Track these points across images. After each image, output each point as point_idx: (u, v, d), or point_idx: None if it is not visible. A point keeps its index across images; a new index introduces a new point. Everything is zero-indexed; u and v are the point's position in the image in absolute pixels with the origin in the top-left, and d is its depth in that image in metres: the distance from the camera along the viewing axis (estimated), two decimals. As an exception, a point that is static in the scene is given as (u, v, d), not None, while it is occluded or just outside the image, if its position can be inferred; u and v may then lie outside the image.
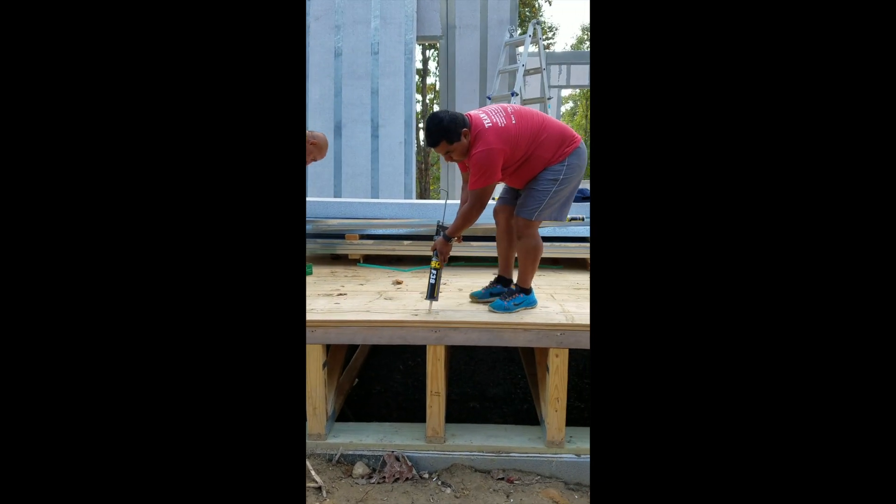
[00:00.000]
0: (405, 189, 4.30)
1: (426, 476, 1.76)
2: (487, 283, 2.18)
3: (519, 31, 4.74)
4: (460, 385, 2.78)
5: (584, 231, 2.85)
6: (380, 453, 1.79)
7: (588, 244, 2.79)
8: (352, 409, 2.40)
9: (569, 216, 2.90)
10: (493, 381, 2.87)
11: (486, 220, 2.14)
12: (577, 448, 1.83)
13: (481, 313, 1.93)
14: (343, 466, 1.77)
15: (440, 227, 2.00)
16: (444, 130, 1.77)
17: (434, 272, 1.94)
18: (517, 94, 4.33)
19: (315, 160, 2.63)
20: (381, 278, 2.75)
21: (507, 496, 1.66)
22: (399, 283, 2.61)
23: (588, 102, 17.81)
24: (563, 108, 21.15)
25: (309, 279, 2.69)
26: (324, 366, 1.84)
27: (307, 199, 2.76)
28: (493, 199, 2.17)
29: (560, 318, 1.87)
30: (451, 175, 4.91)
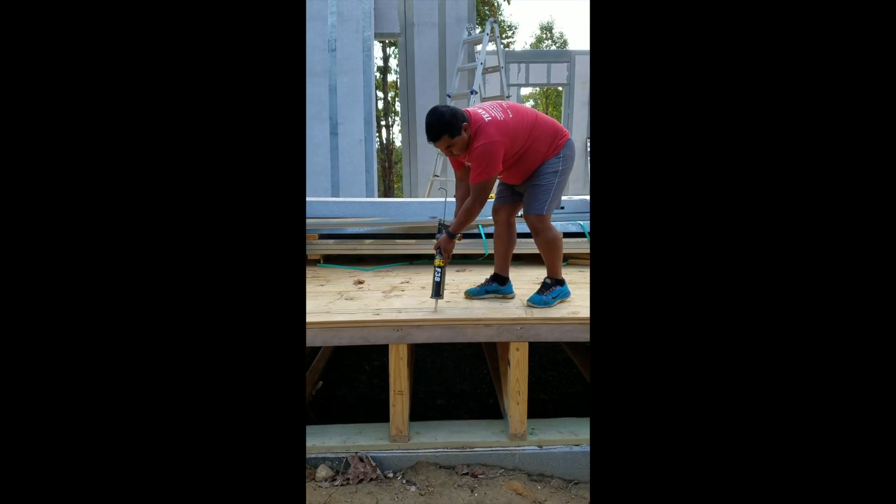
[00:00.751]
0: (367, 187, 4.26)
1: (391, 475, 1.75)
2: (483, 281, 2.19)
3: (478, 30, 4.77)
4: (427, 383, 2.78)
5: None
6: (343, 455, 1.77)
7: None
8: (316, 412, 2.36)
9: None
10: (460, 378, 2.89)
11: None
12: (539, 440, 1.87)
13: (445, 309, 1.94)
14: (306, 470, 1.74)
15: (442, 225, 2.01)
16: (446, 125, 1.78)
17: (439, 270, 1.94)
18: (476, 93, 4.36)
19: None
20: (342, 278, 2.72)
21: (472, 490, 1.68)
22: (361, 282, 2.58)
23: (547, 101, 18.15)
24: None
25: (267, 281, 2.62)
26: (283, 369, 1.79)
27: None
28: (490, 197, 2.19)
29: (520, 313, 1.90)
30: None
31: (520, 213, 2.11)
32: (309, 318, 1.83)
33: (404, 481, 1.72)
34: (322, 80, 4.27)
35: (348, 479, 1.69)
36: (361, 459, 1.75)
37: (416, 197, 4.85)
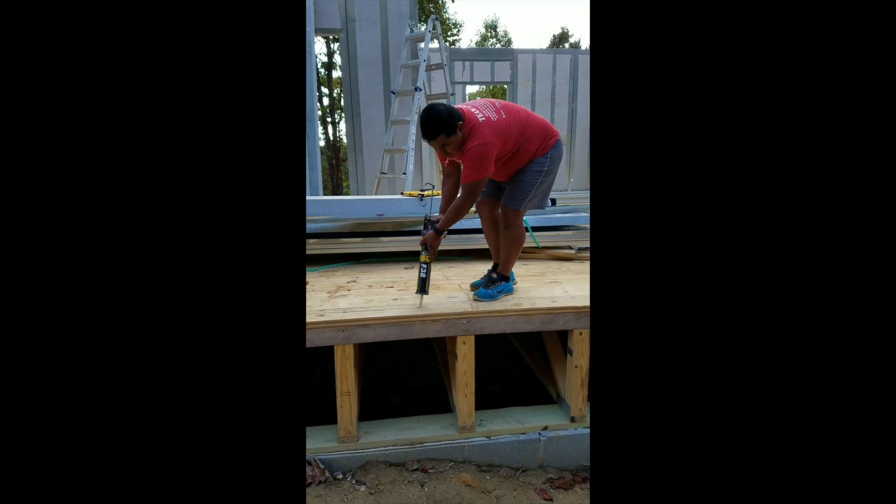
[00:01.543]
0: (310, 185, 4.16)
1: (340, 477, 1.73)
2: (485, 272, 2.20)
3: (421, 27, 4.77)
4: (380, 381, 2.77)
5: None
6: (290, 460, 1.73)
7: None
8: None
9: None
10: (413, 375, 2.89)
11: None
12: (487, 430, 1.90)
13: (390, 308, 1.94)
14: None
15: (428, 221, 2.02)
16: (443, 124, 1.78)
17: (424, 266, 1.94)
18: (420, 90, 4.36)
19: None
20: (286, 280, 2.64)
21: (422, 486, 1.69)
22: (304, 283, 2.52)
23: (494, 98, 18.38)
24: (471, 104, 21.63)
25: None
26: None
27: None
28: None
29: (466, 307, 1.93)
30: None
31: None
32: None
33: (354, 481, 1.70)
34: (260, 76, 4.11)
35: (296, 484, 1.66)
36: (309, 463, 1.72)
37: (364, 194, 4.79)
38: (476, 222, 2.94)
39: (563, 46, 20.77)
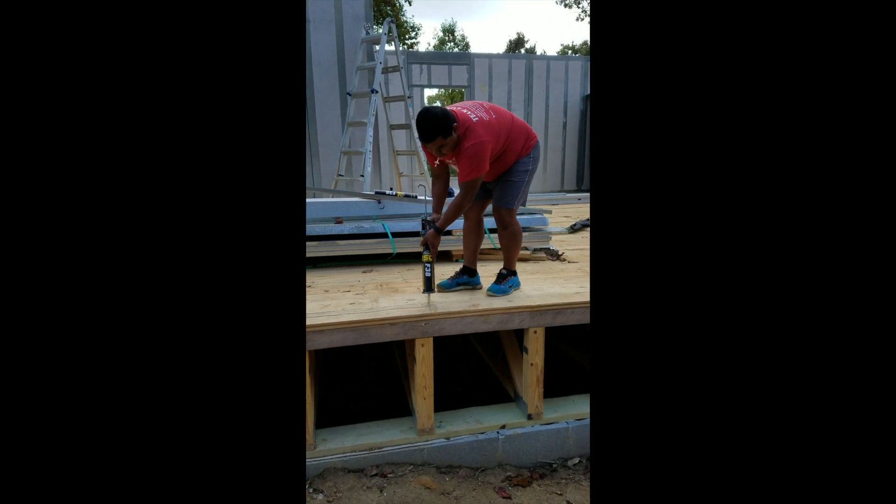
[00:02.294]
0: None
1: (296, 487, 1.69)
2: (453, 274, 2.26)
3: (378, 29, 4.74)
4: (339, 386, 2.72)
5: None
6: (243, 473, 1.67)
7: (451, 236, 2.91)
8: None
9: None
10: (374, 379, 2.86)
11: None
12: (446, 432, 1.91)
13: (346, 313, 1.91)
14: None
15: (426, 222, 2.05)
16: (440, 126, 1.80)
17: (428, 266, 1.99)
18: (377, 92, 4.33)
19: None
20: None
21: (381, 491, 1.67)
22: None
23: (452, 102, 18.55)
24: (430, 107, 21.70)
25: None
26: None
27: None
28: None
29: (424, 309, 1.93)
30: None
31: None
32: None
33: (311, 490, 1.67)
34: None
35: (249, 497, 1.60)
36: (263, 475, 1.67)
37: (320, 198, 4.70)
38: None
39: (520, 51, 21.20)
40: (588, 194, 6.68)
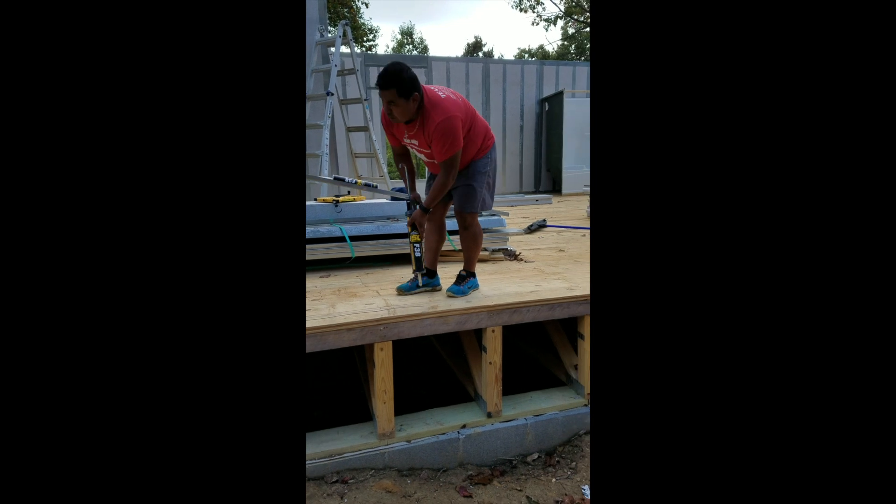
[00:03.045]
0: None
1: (253, 499, 1.65)
2: (412, 276, 2.25)
3: (333, 32, 4.68)
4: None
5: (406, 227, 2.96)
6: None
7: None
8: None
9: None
10: (333, 386, 2.82)
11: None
12: (407, 435, 1.91)
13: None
14: None
15: (412, 202, 2.09)
16: (401, 81, 1.78)
17: (417, 245, 2.08)
18: (333, 94, 4.28)
19: None
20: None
21: (342, 497, 1.66)
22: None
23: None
24: (389, 110, 21.62)
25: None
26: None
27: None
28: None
29: (383, 313, 1.93)
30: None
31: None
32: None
33: (269, 502, 1.63)
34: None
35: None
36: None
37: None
38: (395, 227, 2.95)
39: (477, 55, 21.45)
40: (545, 195, 6.84)
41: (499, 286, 2.32)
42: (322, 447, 1.82)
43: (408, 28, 23.85)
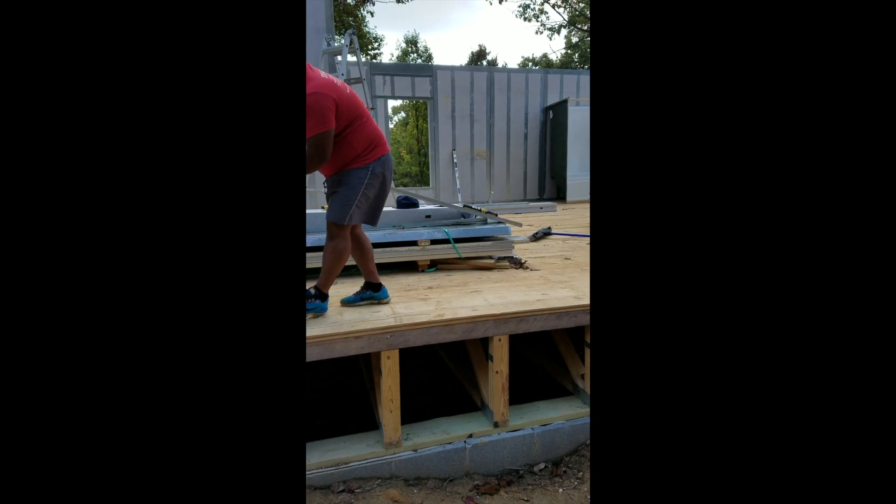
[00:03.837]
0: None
1: (260, 508, 1.64)
2: (358, 289, 2.21)
3: (339, 41, 4.74)
4: (304, 402, 2.66)
5: (413, 235, 2.98)
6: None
7: (416, 248, 2.93)
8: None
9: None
10: (339, 394, 2.82)
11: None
12: (414, 444, 1.91)
13: (309, 327, 1.88)
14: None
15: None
16: None
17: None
18: (340, 103, 4.31)
19: None
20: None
21: (348, 507, 1.65)
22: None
23: (417, 113, 18.66)
24: (396, 118, 21.80)
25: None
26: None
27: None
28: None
29: (390, 321, 1.93)
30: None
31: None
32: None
33: (275, 511, 1.62)
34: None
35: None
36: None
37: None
38: (401, 235, 2.97)
39: (481, 64, 21.59)
40: (550, 203, 6.84)
41: (505, 295, 2.32)
42: (328, 456, 1.82)
43: (412, 37, 24.05)
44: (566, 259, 3.27)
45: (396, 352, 1.89)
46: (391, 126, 15.32)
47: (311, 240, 2.75)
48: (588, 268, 2.96)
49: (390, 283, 2.69)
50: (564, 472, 1.94)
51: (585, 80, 8.78)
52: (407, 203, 3.25)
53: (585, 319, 2.13)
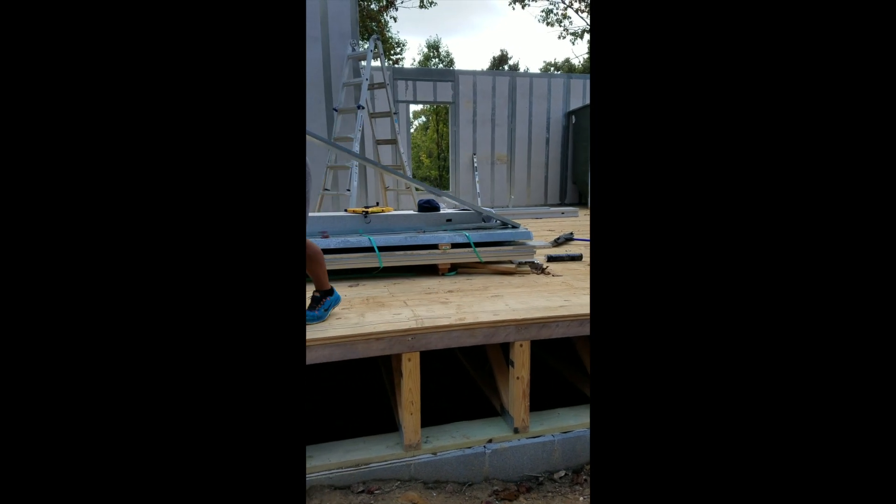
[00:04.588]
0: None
1: (281, 506, 1.67)
2: (311, 303, 2.05)
3: (364, 46, 4.81)
4: (325, 402, 2.69)
5: (434, 239, 2.99)
6: (227, 492, 1.64)
7: (437, 251, 2.94)
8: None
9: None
10: (358, 395, 2.84)
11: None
12: (433, 447, 1.91)
13: (332, 328, 1.91)
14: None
15: None
16: None
17: None
18: (363, 107, 4.37)
19: None
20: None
21: (368, 508, 1.66)
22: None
23: (437, 117, 18.73)
24: (416, 122, 21.94)
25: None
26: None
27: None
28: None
29: (411, 323, 1.94)
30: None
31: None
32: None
33: (296, 510, 1.64)
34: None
35: (233, 517, 1.57)
36: (248, 494, 1.64)
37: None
38: (422, 238, 2.98)
39: (503, 68, 21.59)
40: (571, 208, 6.78)
41: (527, 300, 2.31)
42: (348, 456, 1.83)
43: (434, 41, 24.22)
44: (589, 265, 3.24)
45: (417, 354, 1.90)
46: (412, 130, 15.40)
47: (335, 242, 2.79)
48: (611, 274, 2.91)
49: (411, 286, 2.71)
50: (585, 480, 1.92)
51: (609, 84, 8.69)
52: (428, 206, 3.27)
53: (608, 326, 2.10)
